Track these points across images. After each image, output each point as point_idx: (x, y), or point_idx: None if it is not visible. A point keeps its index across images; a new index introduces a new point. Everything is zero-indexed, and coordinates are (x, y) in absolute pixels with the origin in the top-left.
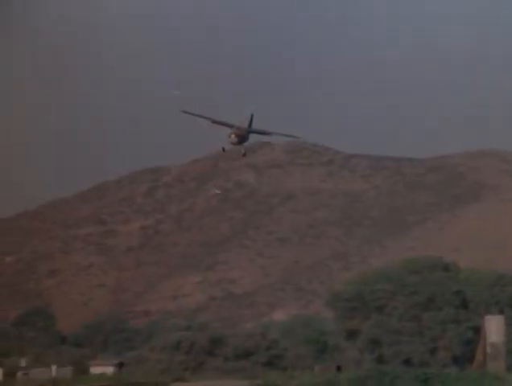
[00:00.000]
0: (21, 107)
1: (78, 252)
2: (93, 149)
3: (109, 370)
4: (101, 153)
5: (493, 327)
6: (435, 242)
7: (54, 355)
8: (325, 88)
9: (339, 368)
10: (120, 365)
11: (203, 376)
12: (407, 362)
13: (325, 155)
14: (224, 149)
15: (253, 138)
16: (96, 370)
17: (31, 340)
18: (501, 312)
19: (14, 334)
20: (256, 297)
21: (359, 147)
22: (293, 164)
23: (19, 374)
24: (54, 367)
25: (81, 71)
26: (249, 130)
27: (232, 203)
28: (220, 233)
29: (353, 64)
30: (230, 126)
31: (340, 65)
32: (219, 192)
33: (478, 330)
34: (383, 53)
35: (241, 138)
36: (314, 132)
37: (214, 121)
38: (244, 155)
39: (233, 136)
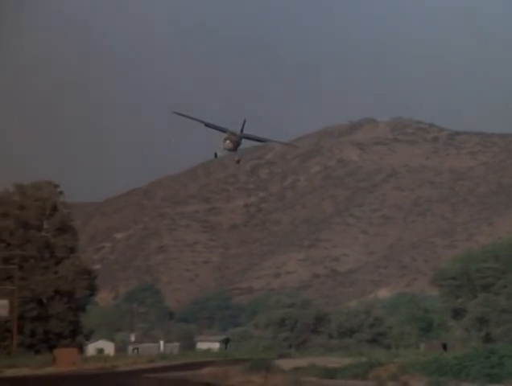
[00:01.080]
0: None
1: (184, 230)
2: (200, 128)
3: (215, 346)
4: (207, 131)
5: None
6: None
7: (162, 330)
8: (432, 66)
9: (445, 347)
10: (226, 341)
11: (307, 353)
12: None
13: (430, 132)
14: (216, 155)
15: (357, 114)
16: (202, 346)
17: (141, 316)
18: None
19: (124, 309)
20: (359, 275)
21: (466, 124)
22: (397, 141)
23: (130, 349)
24: (162, 343)
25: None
26: (244, 136)
27: (335, 180)
28: (323, 211)
29: (465, 43)
30: (223, 130)
31: (450, 42)
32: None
33: None
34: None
35: (236, 144)
36: (418, 109)
37: (207, 124)
38: (238, 162)
39: (227, 142)
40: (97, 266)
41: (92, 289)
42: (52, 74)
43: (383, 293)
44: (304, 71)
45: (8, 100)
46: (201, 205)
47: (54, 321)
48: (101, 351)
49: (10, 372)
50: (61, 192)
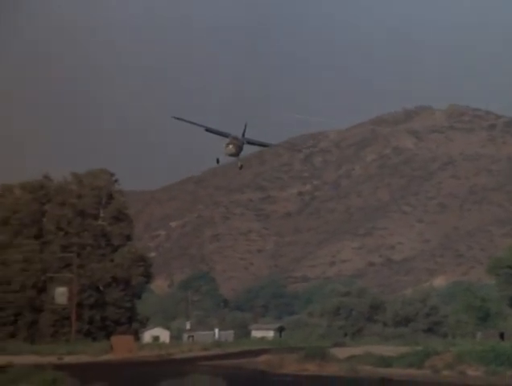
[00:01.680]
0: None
1: (238, 218)
2: (255, 117)
3: (270, 334)
4: (262, 120)
5: None
6: None
7: (217, 318)
8: (489, 53)
9: (502, 336)
10: (280, 329)
11: (362, 342)
12: None
13: (487, 120)
14: (218, 161)
15: (413, 102)
16: (257, 334)
17: (196, 304)
18: None
19: (179, 297)
20: (415, 264)
21: None
22: (453, 129)
23: (185, 336)
24: (217, 331)
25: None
26: (247, 141)
27: (390, 168)
28: (379, 199)
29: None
30: (225, 135)
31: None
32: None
33: None
34: None
35: (239, 149)
36: (475, 96)
37: (207, 129)
38: (241, 168)
39: (231, 146)
40: (153, 254)
41: (148, 277)
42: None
43: (439, 282)
44: (357, 59)
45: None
46: (255, 193)
47: (111, 308)
48: (156, 338)
49: (69, 359)
50: (117, 180)
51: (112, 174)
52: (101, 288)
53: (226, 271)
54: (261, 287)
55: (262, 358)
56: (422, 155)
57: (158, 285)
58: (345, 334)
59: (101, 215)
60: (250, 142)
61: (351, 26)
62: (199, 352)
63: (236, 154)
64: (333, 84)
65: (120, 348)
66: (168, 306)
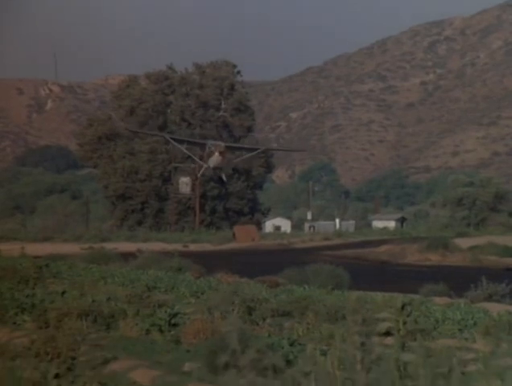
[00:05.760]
0: None
1: (359, 109)
2: (372, 4)
3: (391, 224)
4: (383, 6)
5: None
6: None
7: (338, 209)
8: None
9: None
10: (402, 220)
11: (486, 232)
12: None
13: None
14: (198, 176)
15: None
16: (378, 224)
17: (317, 194)
18: None
19: (300, 188)
20: None
21: None
22: None
23: (306, 226)
24: (338, 221)
25: None
26: (234, 146)
27: None
28: (505, 88)
29: None
30: (202, 144)
31: None
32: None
33: None
34: None
35: (225, 157)
36: None
37: (174, 139)
38: (224, 181)
39: (216, 154)
40: (273, 145)
41: (269, 168)
42: None
43: None
44: None
45: None
46: (377, 83)
47: (233, 198)
48: (278, 228)
49: (193, 247)
50: (239, 72)
51: (234, 66)
52: (224, 179)
53: (347, 162)
54: (382, 177)
55: (384, 248)
56: None
57: (279, 175)
58: (468, 224)
59: (223, 106)
60: (234, 147)
61: None
62: (320, 242)
63: (222, 164)
64: None
65: (243, 237)
66: (289, 197)
